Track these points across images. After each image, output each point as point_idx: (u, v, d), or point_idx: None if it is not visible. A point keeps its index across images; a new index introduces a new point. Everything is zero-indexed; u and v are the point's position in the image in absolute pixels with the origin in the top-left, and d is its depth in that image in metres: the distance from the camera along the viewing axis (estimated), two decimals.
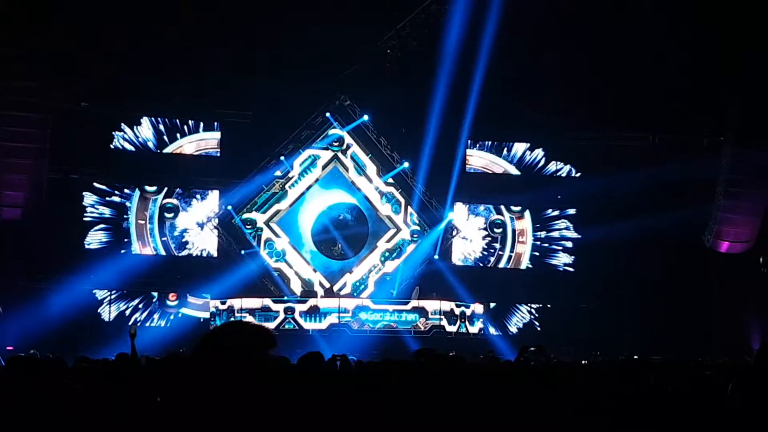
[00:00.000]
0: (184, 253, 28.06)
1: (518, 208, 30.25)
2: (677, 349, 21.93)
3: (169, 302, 27.45)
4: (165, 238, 27.88)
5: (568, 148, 29.83)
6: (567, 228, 30.27)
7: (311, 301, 25.20)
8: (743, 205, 25.94)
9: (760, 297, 25.83)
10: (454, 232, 29.43)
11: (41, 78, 23.06)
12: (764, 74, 23.99)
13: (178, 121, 27.93)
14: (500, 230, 30.25)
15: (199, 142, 28.29)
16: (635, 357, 18.20)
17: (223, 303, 25.59)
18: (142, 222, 27.76)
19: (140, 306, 27.06)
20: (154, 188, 27.85)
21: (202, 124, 28.20)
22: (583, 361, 16.17)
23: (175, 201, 28.16)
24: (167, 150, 27.91)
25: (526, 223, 30.36)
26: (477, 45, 25.80)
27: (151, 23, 24.47)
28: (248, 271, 27.57)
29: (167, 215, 28.02)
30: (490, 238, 30.14)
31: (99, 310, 26.50)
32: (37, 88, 22.91)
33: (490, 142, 30.15)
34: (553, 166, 30.04)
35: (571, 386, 6.35)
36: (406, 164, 28.68)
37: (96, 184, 27.06)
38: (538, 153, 30.08)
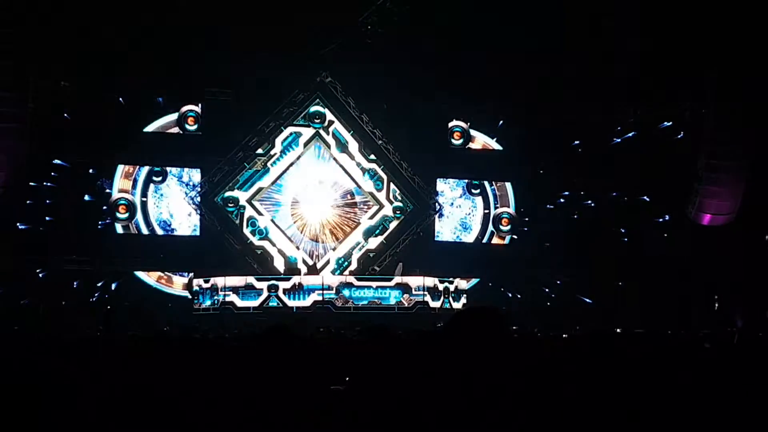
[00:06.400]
0: (166, 231, 27.88)
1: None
2: (657, 323, 21.92)
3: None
4: (146, 206, 27.57)
5: (545, 121, 29.45)
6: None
7: (295, 279, 25.17)
8: (725, 177, 25.91)
9: (745, 271, 25.71)
10: (437, 208, 29.34)
11: (17, 56, 22.88)
12: (742, 43, 23.95)
13: (160, 99, 27.68)
14: (478, 191, 30.15)
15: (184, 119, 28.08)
16: (617, 330, 18.28)
17: (207, 282, 25.52)
18: (126, 191, 27.41)
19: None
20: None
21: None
22: (563, 335, 16.18)
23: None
24: (149, 128, 27.64)
25: (506, 188, 30.28)
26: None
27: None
28: (231, 249, 27.49)
29: (155, 179, 27.77)
30: (471, 205, 30.07)
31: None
32: (13, 67, 22.73)
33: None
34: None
35: (552, 357, 6.35)
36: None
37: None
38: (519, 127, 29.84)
